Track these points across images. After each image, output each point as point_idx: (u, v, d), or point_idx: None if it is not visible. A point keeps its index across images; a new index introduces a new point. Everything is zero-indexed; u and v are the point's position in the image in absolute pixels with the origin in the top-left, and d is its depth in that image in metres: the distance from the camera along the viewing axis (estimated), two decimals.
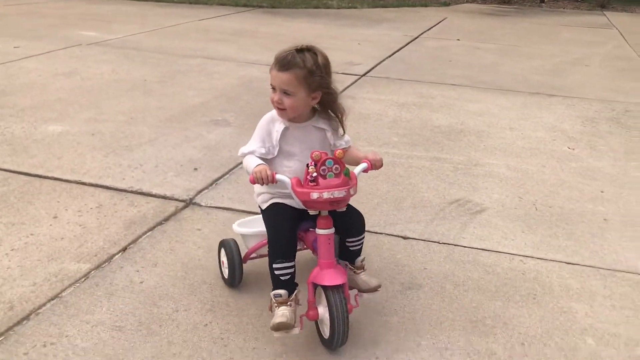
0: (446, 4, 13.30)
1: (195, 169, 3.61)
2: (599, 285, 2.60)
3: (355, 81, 5.87)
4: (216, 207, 3.15)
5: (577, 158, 4.09)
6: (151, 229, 2.89)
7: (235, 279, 2.41)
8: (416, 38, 8.64)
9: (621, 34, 9.83)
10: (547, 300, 2.47)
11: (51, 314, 2.25)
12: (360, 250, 2.26)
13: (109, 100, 4.85)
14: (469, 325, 2.29)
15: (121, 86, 5.26)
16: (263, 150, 2.14)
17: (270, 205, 2.19)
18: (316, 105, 2.17)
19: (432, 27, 9.78)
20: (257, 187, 2.25)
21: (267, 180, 2.01)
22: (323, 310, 2.05)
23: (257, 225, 2.38)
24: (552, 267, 2.73)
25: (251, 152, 2.14)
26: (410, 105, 5.17)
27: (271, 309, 2.09)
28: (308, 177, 2.00)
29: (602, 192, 3.55)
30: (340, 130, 2.23)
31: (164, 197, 3.22)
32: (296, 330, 2.03)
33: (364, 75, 6.15)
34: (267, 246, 2.16)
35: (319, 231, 2.06)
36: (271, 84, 2.12)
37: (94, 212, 3.03)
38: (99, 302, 2.33)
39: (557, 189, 3.56)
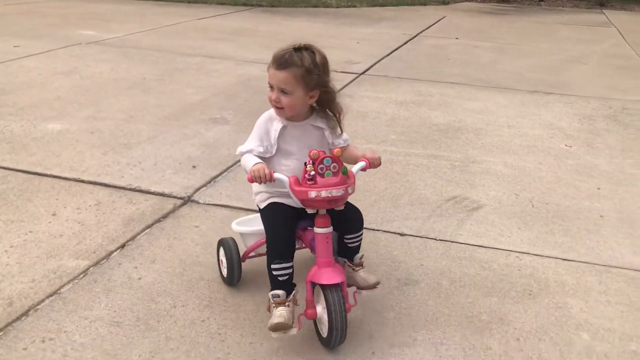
0: (445, 3, 13.31)
1: (194, 166, 3.63)
2: (595, 281, 2.62)
3: (354, 79, 5.89)
4: (214, 205, 3.16)
5: (574, 155, 4.11)
6: (149, 226, 2.91)
7: (234, 278, 2.41)
8: (415, 36, 8.66)
9: (620, 33, 9.85)
10: (543, 296, 2.49)
11: (50, 310, 2.26)
12: (358, 247, 2.27)
13: (108, 98, 4.87)
14: (464, 321, 2.31)
15: (120, 85, 5.28)
16: (261, 149, 2.14)
17: (269, 204, 2.19)
18: (314, 104, 2.16)
19: (431, 26, 9.79)
20: (255, 186, 2.24)
21: (265, 178, 2.01)
22: (321, 309, 2.06)
23: (256, 224, 2.37)
24: (548, 264, 2.74)
25: (249, 151, 2.14)
26: (408, 103, 5.18)
27: (269, 309, 2.09)
28: (306, 175, 2.00)
29: (598, 189, 3.57)
30: (338, 129, 2.22)
31: (163, 195, 3.24)
32: (294, 331, 2.03)
33: (362, 73, 6.17)
34: (265, 245, 2.17)
35: (317, 230, 2.06)
36: (269, 83, 2.12)
37: (93, 210, 3.05)
38: (97, 298, 2.35)
39: (553, 186, 3.58)
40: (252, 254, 2.42)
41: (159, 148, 3.88)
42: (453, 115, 4.88)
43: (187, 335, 2.16)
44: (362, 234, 2.26)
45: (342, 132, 2.23)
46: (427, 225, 3.03)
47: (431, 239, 2.91)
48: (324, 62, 2.11)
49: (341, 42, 7.84)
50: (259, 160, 2.09)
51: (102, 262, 2.60)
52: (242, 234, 2.48)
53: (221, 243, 2.47)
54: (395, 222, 3.05)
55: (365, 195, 3.29)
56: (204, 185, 3.38)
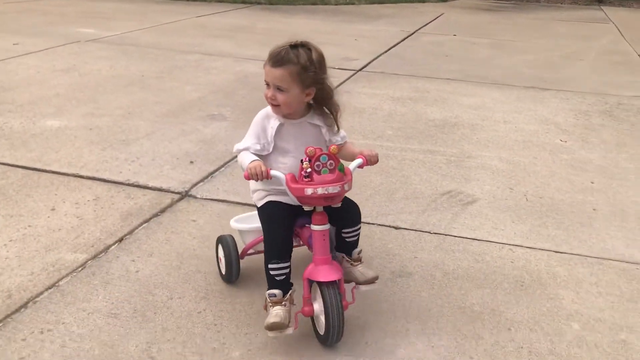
0: (443, 0, 13.32)
1: (192, 162, 3.66)
2: (586, 273, 2.65)
3: (351, 76, 5.92)
4: (211, 199, 3.20)
5: (569, 150, 4.14)
6: (147, 221, 2.94)
7: (232, 275, 2.41)
8: (413, 33, 8.68)
9: (617, 29, 9.87)
10: (535, 288, 2.52)
11: (48, 302, 2.30)
12: (356, 242, 2.27)
13: (106, 95, 4.90)
14: (457, 312, 2.34)
15: (119, 82, 5.31)
16: (258, 147, 2.13)
17: (266, 203, 2.19)
18: (311, 102, 2.15)
19: (429, 23, 9.81)
20: (253, 184, 2.24)
21: (262, 176, 2.01)
22: (318, 307, 2.06)
23: (254, 221, 2.37)
24: (541, 256, 2.78)
25: (246, 149, 2.13)
26: (405, 99, 5.21)
27: (266, 308, 2.10)
28: (302, 172, 2.00)
29: (592, 183, 3.60)
30: (335, 127, 2.21)
31: (160, 190, 3.27)
32: (290, 330, 2.03)
33: (360, 70, 6.19)
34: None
35: (313, 227, 2.06)
36: (265, 80, 2.11)
37: (91, 204, 3.08)
38: (95, 291, 2.38)
39: (548, 181, 3.61)
40: (250, 251, 2.43)
41: (157, 144, 3.91)
42: (449, 111, 4.91)
43: (184, 326, 2.20)
44: (359, 228, 2.26)
45: (339, 129, 2.23)
46: (421, 219, 3.07)
47: (425, 232, 2.94)
48: (321, 59, 2.10)
49: (339, 39, 7.87)
50: (256, 158, 2.08)
51: (100, 255, 2.63)
52: (240, 231, 2.48)
53: (220, 240, 2.47)
54: (390, 216, 3.08)
55: (360, 190, 3.32)
56: (202, 181, 3.41)
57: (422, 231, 2.95)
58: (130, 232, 2.83)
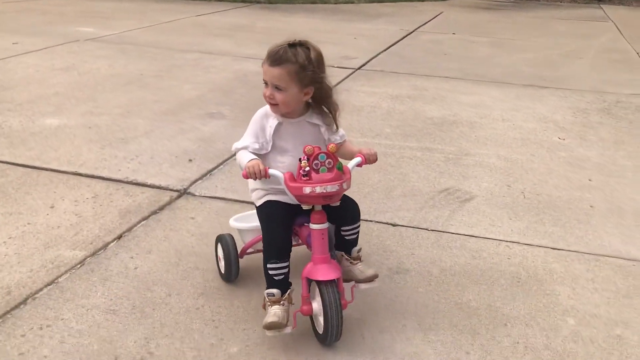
0: None
1: (190, 160, 3.67)
2: (583, 269, 2.66)
3: (350, 74, 5.93)
4: (210, 197, 3.21)
5: (567, 148, 4.15)
6: (146, 218, 2.96)
7: (231, 274, 2.41)
8: (412, 32, 8.69)
9: (617, 27, 9.88)
10: (531, 284, 2.54)
11: (47, 298, 2.31)
12: (356, 240, 2.26)
13: (105, 94, 4.91)
14: (453, 307, 2.35)
15: (118, 80, 5.32)
16: (256, 146, 2.13)
17: (264, 203, 2.18)
18: (310, 101, 2.15)
19: (428, 22, 9.83)
20: (251, 183, 2.24)
21: (260, 175, 2.00)
22: (317, 306, 2.06)
23: (253, 220, 2.36)
24: (538, 253, 2.79)
25: (244, 148, 2.12)
26: (404, 97, 5.23)
27: (264, 307, 2.10)
28: (301, 171, 1.99)
29: (589, 180, 3.62)
30: (334, 126, 2.20)
31: (159, 187, 3.29)
32: (288, 329, 2.03)
33: (359, 68, 6.21)
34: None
35: (312, 226, 2.06)
36: (263, 79, 2.09)
37: (90, 202, 3.10)
38: (94, 287, 2.39)
39: (545, 178, 3.62)
40: (250, 250, 2.41)
41: (155, 142, 3.93)
42: (448, 109, 4.93)
43: (182, 322, 2.21)
44: (359, 226, 2.25)
45: (337, 128, 2.22)
46: (419, 216, 3.08)
47: (423, 229, 2.95)
48: (319, 58, 2.09)
49: (338, 37, 7.88)
50: (254, 157, 2.08)
51: (99, 252, 2.65)
52: (239, 230, 2.47)
53: (219, 239, 2.47)
54: (387, 213, 3.10)
55: (358, 187, 3.33)
56: (200, 178, 3.43)
57: (419, 228, 2.96)
58: (129, 230, 2.84)
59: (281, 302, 2.07)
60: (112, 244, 2.72)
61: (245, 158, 2.08)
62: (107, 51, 6.43)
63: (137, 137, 4.01)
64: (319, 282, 2.02)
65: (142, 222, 2.91)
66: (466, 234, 2.92)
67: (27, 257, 2.58)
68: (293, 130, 2.16)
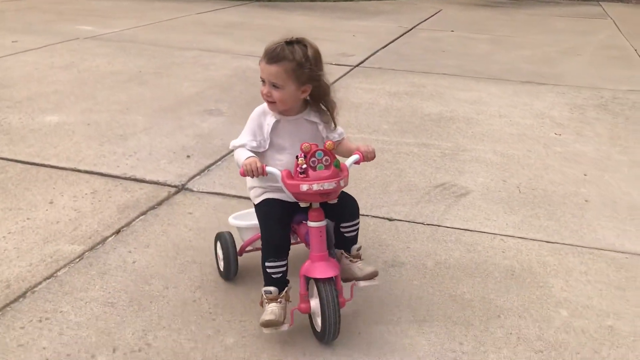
0: None
1: (188, 156, 3.70)
2: (576, 262, 2.69)
3: (348, 72, 5.95)
4: (208, 192, 3.24)
5: (563, 143, 4.18)
6: (144, 213, 2.98)
7: (230, 272, 2.41)
8: (411, 29, 8.71)
9: (615, 24, 9.89)
10: (525, 276, 2.56)
11: (46, 292, 2.34)
12: (355, 238, 2.25)
13: (104, 91, 4.94)
14: (448, 299, 2.38)
15: (117, 78, 5.35)
16: (254, 144, 2.13)
17: (263, 201, 2.19)
18: (308, 98, 2.15)
19: (427, 19, 9.84)
20: (249, 181, 2.23)
21: (257, 172, 2.00)
22: (315, 303, 2.06)
23: (253, 218, 2.34)
24: (532, 246, 2.82)
25: (242, 145, 2.12)
26: (401, 94, 5.25)
27: (262, 305, 2.10)
28: (297, 168, 1.99)
29: (585, 175, 3.64)
30: (332, 124, 2.21)
31: (157, 183, 3.32)
32: (285, 327, 2.04)
33: (357, 65, 6.23)
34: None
35: (310, 224, 2.05)
36: (261, 77, 2.10)
37: (89, 198, 3.12)
38: (92, 281, 2.42)
39: (541, 173, 3.65)
40: (249, 248, 2.40)
41: (154, 139, 3.95)
42: (445, 106, 4.95)
43: (179, 314, 2.24)
44: (358, 223, 2.23)
45: (335, 126, 2.22)
46: (415, 211, 3.10)
47: (418, 223, 2.98)
48: (317, 55, 2.09)
49: (337, 35, 7.90)
50: (252, 155, 2.08)
51: (98, 247, 2.68)
52: (239, 228, 2.47)
53: (218, 237, 2.47)
54: (384, 208, 3.12)
55: (355, 183, 3.35)
56: (198, 174, 3.45)
57: (415, 222, 2.99)
58: (127, 224, 2.87)
59: (278, 300, 2.08)
60: (110, 238, 2.75)
61: (242, 156, 2.08)
62: (107, 49, 6.46)
63: (136, 133, 4.03)
64: (316, 280, 2.02)
65: (141, 217, 2.94)
66: (461, 228, 2.95)
67: (26, 252, 2.61)
68: (291, 128, 2.16)
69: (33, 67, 5.59)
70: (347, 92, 5.10)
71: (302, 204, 2.08)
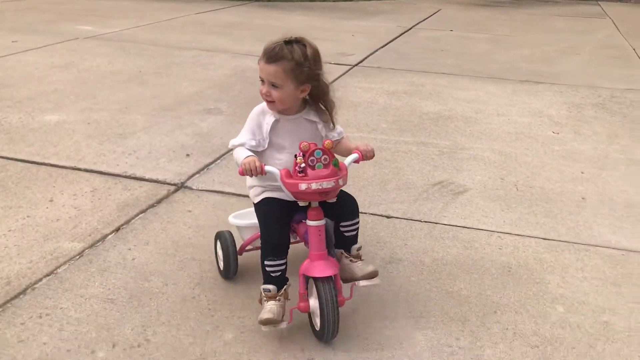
0: None
1: (188, 155, 3.72)
2: (573, 259, 2.71)
3: (347, 71, 5.97)
4: (207, 190, 3.26)
5: (561, 141, 4.20)
6: (144, 211, 3.00)
7: (230, 271, 2.41)
8: (410, 29, 8.73)
9: (614, 23, 9.91)
10: (522, 273, 2.58)
11: (47, 288, 2.36)
12: (355, 237, 2.24)
13: (104, 90, 4.96)
14: (444, 296, 2.40)
15: (117, 77, 5.37)
16: (253, 143, 2.13)
17: (262, 200, 2.19)
18: (307, 98, 2.15)
19: (426, 19, 9.86)
20: (249, 180, 2.23)
21: (256, 171, 2.01)
22: (314, 302, 2.06)
23: (253, 217, 2.34)
24: (529, 243, 2.84)
25: (241, 144, 2.13)
26: (400, 93, 5.27)
27: (260, 302, 2.11)
28: (296, 167, 1.99)
29: (582, 173, 3.66)
30: (331, 123, 2.21)
31: (157, 181, 3.34)
32: (283, 325, 2.05)
33: (356, 65, 6.25)
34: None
35: (309, 222, 2.06)
36: (260, 76, 2.10)
37: (89, 196, 3.14)
38: (92, 278, 2.44)
39: (538, 171, 3.67)
40: (249, 247, 2.41)
41: (153, 137, 3.97)
42: (444, 105, 4.97)
43: (178, 310, 2.26)
44: (358, 223, 2.23)
45: (334, 126, 2.22)
46: (413, 208, 3.12)
47: (416, 220, 3.00)
48: (315, 55, 2.09)
49: (336, 34, 7.92)
50: (251, 154, 2.08)
51: (98, 244, 2.69)
52: (238, 227, 2.48)
53: (218, 236, 2.48)
54: (382, 206, 3.14)
55: (353, 181, 3.37)
56: (197, 172, 3.47)
57: (413, 220, 3.00)
58: (127, 222, 2.89)
59: (277, 298, 2.08)
60: (110, 236, 2.77)
61: (241, 155, 2.09)
62: (107, 49, 6.48)
63: (136, 132, 4.05)
64: (315, 279, 2.03)
65: (140, 215, 2.96)
66: (459, 225, 2.97)
67: (26, 249, 2.63)
68: (290, 127, 2.16)
69: (33, 66, 5.61)
70: (346, 92, 5.12)
71: (301, 203, 2.08)
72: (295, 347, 2.09)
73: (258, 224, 2.22)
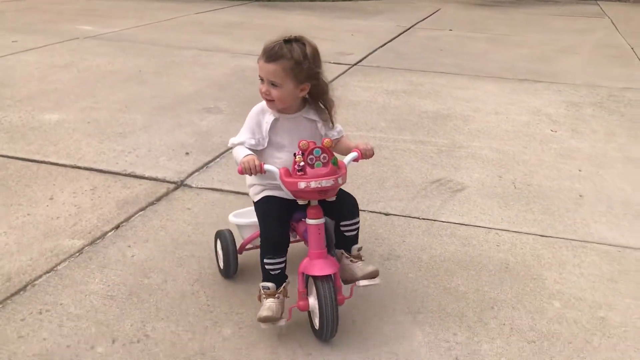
0: None
1: (187, 153, 3.74)
2: (570, 255, 2.73)
3: (347, 70, 5.99)
4: (206, 188, 3.27)
5: (559, 140, 4.21)
6: (143, 209, 3.02)
7: (230, 270, 2.42)
8: (409, 29, 8.74)
9: (613, 23, 9.93)
10: (519, 269, 2.60)
11: (47, 285, 2.38)
12: (356, 237, 2.23)
13: (104, 90, 4.98)
14: (442, 292, 2.42)
15: (117, 77, 5.38)
16: (253, 142, 2.13)
17: (262, 198, 2.19)
18: (306, 96, 2.16)
19: (425, 18, 9.88)
20: (249, 179, 2.24)
21: (255, 170, 2.01)
22: (313, 301, 2.07)
23: (253, 216, 2.34)
24: (526, 240, 2.85)
25: (241, 143, 2.13)
26: (399, 92, 5.28)
27: (259, 299, 2.12)
28: (295, 166, 1.99)
29: (579, 170, 3.68)
30: (331, 122, 2.21)
31: (156, 180, 3.35)
32: (282, 322, 2.05)
33: (355, 64, 6.26)
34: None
35: (308, 221, 2.06)
36: (259, 75, 2.10)
37: (89, 194, 3.16)
38: (92, 274, 2.46)
39: (536, 169, 3.69)
40: (249, 245, 2.41)
41: (153, 136, 3.99)
42: (443, 104, 4.98)
43: (177, 306, 2.27)
44: (358, 222, 2.22)
45: (334, 125, 2.22)
46: (411, 206, 3.14)
47: (414, 218, 3.02)
48: (315, 54, 2.09)
49: (335, 34, 7.94)
50: (250, 153, 2.08)
51: (97, 241, 2.71)
52: (238, 226, 2.48)
53: (218, 235, 2.48)
54: (380, 203, 3.16)
55: (352, 179, 3.37)
56: (197, 171, 3.49)
57: (411, 217, 3.02)
58: (127, 220, 2.90)
59: (276, 295, 2.09)
60: (110, 233, 2.78)
61: (241, 154, 2.10)
62: (106, 48, 6.49)
63: (135, 131, 4.07)
64: (314, 278, 2.03)
65: (140, 213, 2.97)
66: (456, 222, 2.99)
67: (27, 246, 2.65)
68: (290, 126, 2.17)
69: (33, 66, 5.62)
70: (345, 91, 5.13)
71: (301, 202, 2.08)
72: (294, 343, 2.11)
73: (258, 223, 2.22)
